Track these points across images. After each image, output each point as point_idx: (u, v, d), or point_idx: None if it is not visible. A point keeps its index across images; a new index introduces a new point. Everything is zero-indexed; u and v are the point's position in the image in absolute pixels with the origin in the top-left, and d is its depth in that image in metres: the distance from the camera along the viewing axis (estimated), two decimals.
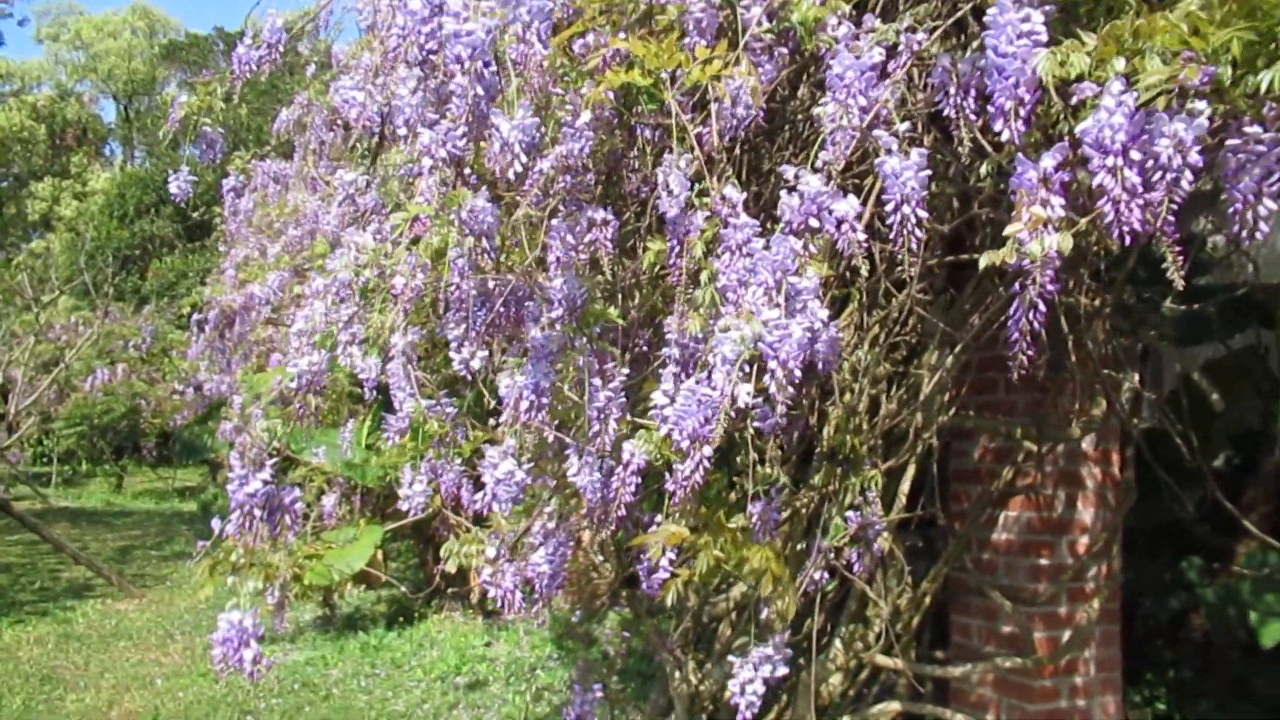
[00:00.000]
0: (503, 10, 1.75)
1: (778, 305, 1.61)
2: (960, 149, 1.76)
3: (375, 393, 2.48)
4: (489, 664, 6.56)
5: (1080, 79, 1.44)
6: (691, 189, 1.87)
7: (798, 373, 1.57)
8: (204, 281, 11.35)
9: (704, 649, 3.39)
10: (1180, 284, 1.44)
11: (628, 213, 2.50)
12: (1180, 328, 3.78)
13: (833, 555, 2.59)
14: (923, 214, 1.65)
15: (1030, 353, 1.53)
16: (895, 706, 3.14)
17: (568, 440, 2.00)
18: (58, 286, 12.90)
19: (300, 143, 5.31)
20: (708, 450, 1.63)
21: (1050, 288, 1.45)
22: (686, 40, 1.96)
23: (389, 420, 2.49)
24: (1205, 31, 1.34)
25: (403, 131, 1.89)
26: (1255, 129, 1.38)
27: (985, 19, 1.51)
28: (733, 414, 1.58)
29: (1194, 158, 1.35)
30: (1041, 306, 1.48)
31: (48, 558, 10.76)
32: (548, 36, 1.82)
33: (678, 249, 1.92)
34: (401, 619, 7.72)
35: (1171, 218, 1.39)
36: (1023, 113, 1.49)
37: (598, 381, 1.93)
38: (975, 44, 1.75)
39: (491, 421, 2.26)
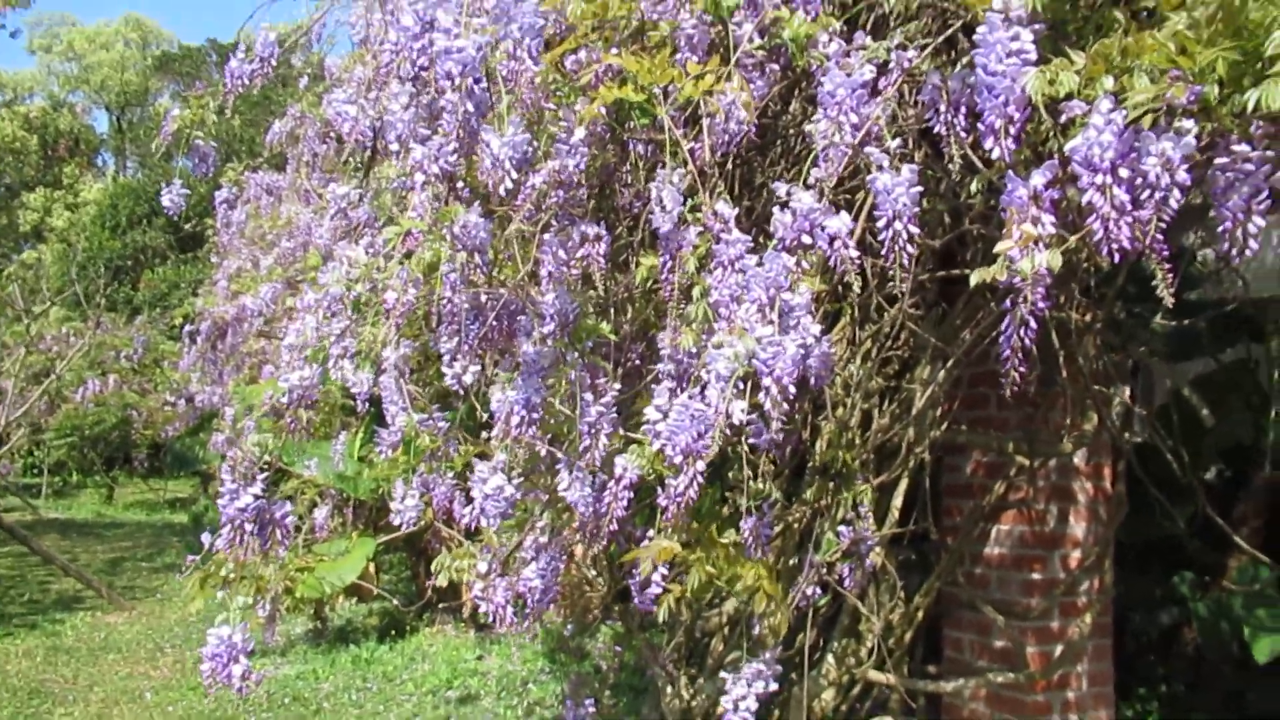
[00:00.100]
0: (494, 27, 1.76)
1: (771, 322, 1.62)
2: (951, 165, 1.77)
3: (368, 405, 2.48)
4: (481, 678, 6.54)
5: (1069, 97, 1.44)
6: (684, 204, 1.88)
7: (792, 389, 1.58)
8: (196, 293, 11.34)
9: (696, 664, 3.38)
10: (1170, 300, 1.45)
11: (620, 228, 2.50)
12: (1170, 343, 3.79)
13: (825, 570, 2.58)
14: (914, 230, 1.65)
15: (1022, 368, 1.54)
16: None
17: (559, 455, 2.00)
18: (49, 297, 12.88)
19: (293, 155, 5.31)
20: (701, 465, 1.63)
21: (1041, 304, 1.46)
22: (679, 56, 1.97)
23: (381, 434, 2.49)
24: (1192, 51, 1.36)
25: (395, 147, 1.90)
26: (1243, 147, 1.39)
27: (975, 37, 1.52)
28: (727, 430, 1.58)
29: (1182, 176, 1.36)
30: (1032, 323, 1.49)
31: (37, 570, 10.70)
32: (539, 53, 1.83)
33: (670, 264, 1.93)
34: (393, 632, 7.69)
35: (1160, 234, 1.40)
36: (1012, 130, 1.49)
37: (589, 396, 1.93)
38: (965, 61, 1.77)
39: (484, 435, 2.25)
